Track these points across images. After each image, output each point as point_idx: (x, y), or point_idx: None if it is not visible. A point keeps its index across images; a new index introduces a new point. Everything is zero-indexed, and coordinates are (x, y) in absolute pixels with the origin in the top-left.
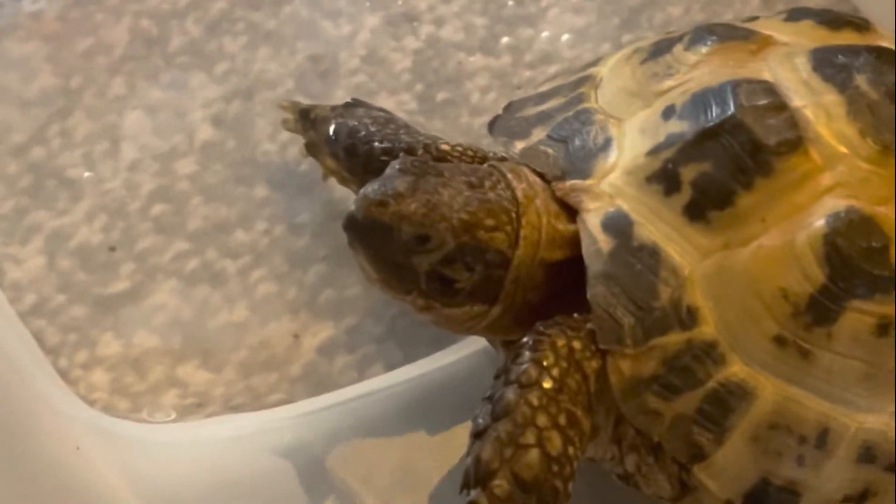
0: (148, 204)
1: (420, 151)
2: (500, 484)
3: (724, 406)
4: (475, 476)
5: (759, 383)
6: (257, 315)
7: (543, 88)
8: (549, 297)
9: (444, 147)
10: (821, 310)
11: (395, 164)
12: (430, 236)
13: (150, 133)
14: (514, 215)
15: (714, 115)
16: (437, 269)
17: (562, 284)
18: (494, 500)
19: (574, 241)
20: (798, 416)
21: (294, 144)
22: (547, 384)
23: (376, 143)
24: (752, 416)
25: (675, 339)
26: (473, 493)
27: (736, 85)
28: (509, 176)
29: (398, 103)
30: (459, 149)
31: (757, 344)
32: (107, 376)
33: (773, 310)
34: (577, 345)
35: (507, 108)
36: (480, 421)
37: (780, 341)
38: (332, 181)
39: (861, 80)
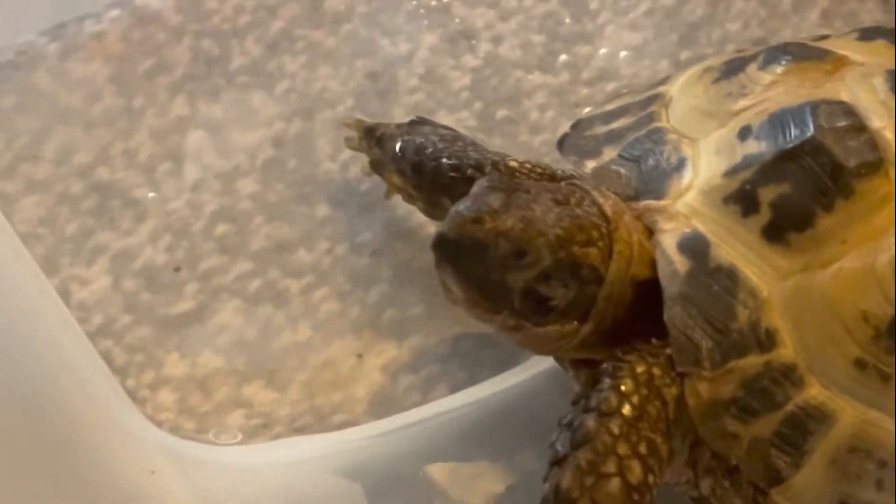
0: (211, 224)
1: (488, 168)
2: None
3: (802, 429)
4: None
5: (839, 406)
6: (320, 334)
7: (610, 107)
8: (631, 317)
9: (513, 164)
10: None
11: (483, 182)
12: (527, 252)
13: (212, 153)
14: (604, 231)
15: (793, 136)
16: (533, 287)
17: (642, 306)
18: None
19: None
20: (878, 440)
21: (355, 163)
22: (627, 412)
23: (444, 160)
24: (830, 440)
25: (753, 361)
26: None
27: (815, 106)
28: (594, 193)
29: (457, 121)
30: (528, 166)
31: (836, 367)
32: (173, 396)
33: (853, 333)
34: (656, 371)
35: (575, 126)
36: (560, 448)
37: (860, 364)
38: (395, 200)
39: None
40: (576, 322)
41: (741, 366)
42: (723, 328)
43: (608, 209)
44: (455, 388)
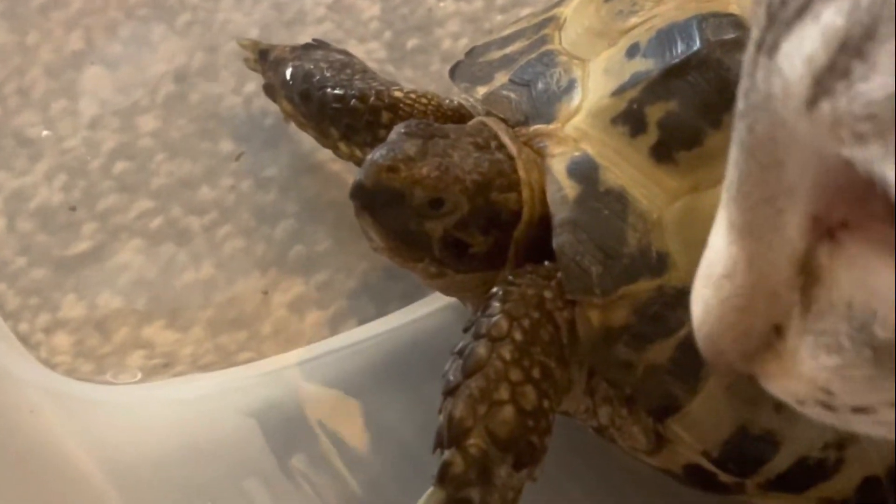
0: (109, 162)
1: (372, 99)
2: (476, 443)
3: (697, 354)
4: (449, 435)
5: None
6: (225, 272)
7: (507, 32)
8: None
9: (397, 94)
10: None
11: (400, 128)
12: (444, 200)
13: (110, 89)
14: (521, 174)
15: (679, 51)
16: (452, 234)
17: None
18: (470, 460)
19: None
20: None
21: (259, 97)
22: (518, 336)
23: (329, 90)
24: None
25: (645, 286)
26: (448, 454)
27: (702, 19)
28: (504, 137)
29: (367, 52)
30: (413, 95)
31: None
32: (70, 339)
33: None
34: (548, 294)
35: (470, 53)
36: (451, 378)
37: None
38: (302, 133)
39: None
40: (496, 268)
41: (633, 291)
42: (613, 253)
43: (514, 150)
44: (364, 324)
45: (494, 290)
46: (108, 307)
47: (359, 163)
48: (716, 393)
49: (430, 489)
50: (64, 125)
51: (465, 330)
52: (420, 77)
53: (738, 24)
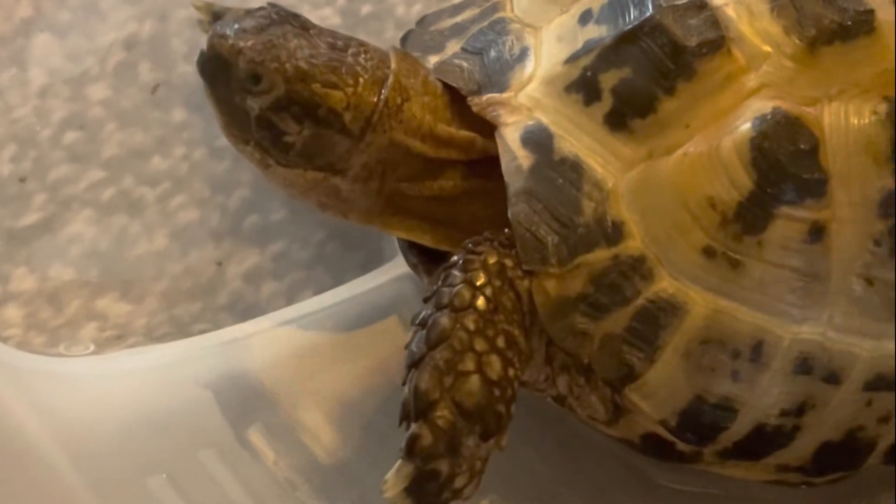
0: (59, 132)
1: None
2: (443, 414)
3: (654, 323)
4: (415, 407)
5: (690, 298)
6: (178, 243)
7: (458, 0)
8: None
9: None
10: (750, 218)
11: (261, 9)
12: (261, 76)
13: (59, 57)
14: (363, 82)
15: (632, 17)
16: (266, 115)
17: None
18: (437, 432)
19: (466, 147)
20: (731, 330)
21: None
22: (482, 305)
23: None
24: (683, 332)
25: (601, 255)
26: (415, 426)
27: None
28: (394, 59)
29: (320, 19)
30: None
31: (685, 257)
32: (21, 312)
33: (700, 220)
34: (508, 262)
35: (421, 21)
36: (415, 349)
37: (709, 253)
38: None
39: None
40: (322, 171)
41: (589, 260)
42: (569, 223)
43: (399, 77)
44: (321, 294)
45: (454, 258)
46: (59, 279)
47: None
48: (672, 361)
49: (398, 462)
50: (13, 94)
51: (426, 300)
52: (374, 43)
53: None
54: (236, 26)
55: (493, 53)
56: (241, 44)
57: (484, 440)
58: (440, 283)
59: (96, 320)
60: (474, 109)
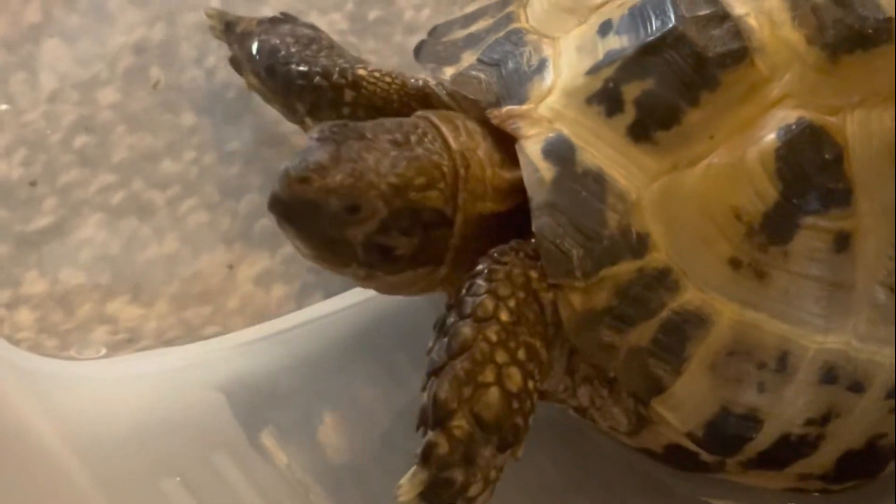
0: (69, 136)
1: (335, 76)
2: (460, 424)
3: (680, 335)
4: (433, 416)
5: (715, 309)
6: (189, 247)
7: (469, 9)
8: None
9: (361, 72)
10: (775, 228)
11: (313, 133)
12: (360, 206)
13: (69, 62)
14: (446, 169)
15: (654, 28)
16: (373, 239)
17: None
18: (454, 442)
19: (524, 188)
20: (757, 341)
21: (221, 69)
22: (505, 317)
23: (293, 66)
24: (709, 344)
25: (626, 268)
26: (432, 434)
27: None
28: (443, 128)
29: (329, 24)
30: (377, 74)
31: (711, 268)
32: (32, 315)
33: (726, 231)
34: (533, 274)
35: (433, 32)
36: (436, 357)
37: (734, 264)
38: (264, 105)
39: None
40: (430, 265)
41: (614, 273)
42: (593, 235)
43: (456, 144)
44: (331, 297)
45: (480, 266)
46: (70, 283)
47: None
48: (699, 373)
49: (414, 468)
50: (23, 99)
51: (449, 307)
52: (382, 48)
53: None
54: (308, 162)
55: (510, 65)
56: (329, 181)
57: (500, 451)
58: (464, 291)
59: (107, 324)
60: (494, 122)
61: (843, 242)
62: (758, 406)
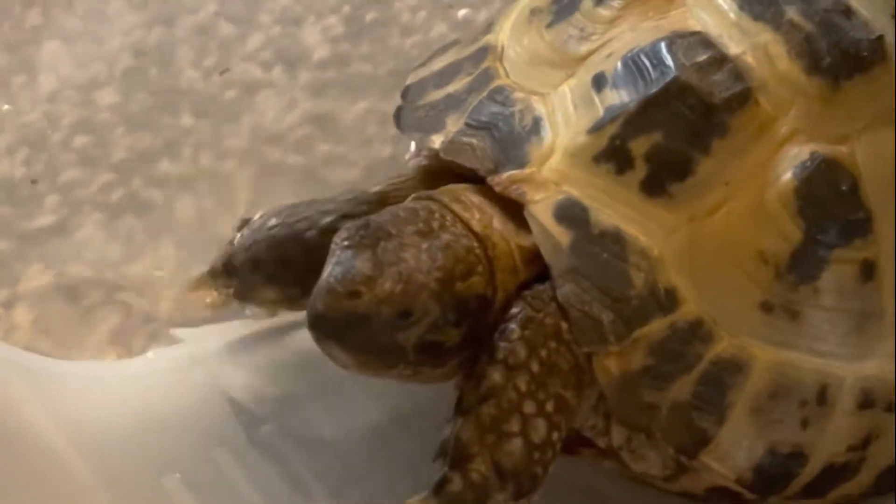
0: (70, 135)
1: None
2: (479, 469)
3: (720, 384)
4: (453, 455)
5: (752, 354)
6: (187, 245)
7: (439, 65)
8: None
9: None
10: (803, 267)
11: (341, 242)
12: (413, 310)
13: (68, 63)
14: (478, 251)
15: (654, 79)
16: (425, 339)
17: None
18: (469, 483)
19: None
20: (796, 380)
21: (218, 70)
22: (536, 367)
23: (269, 245)
24: (749, 389)
25: (658, 325)
26: (448, 472)
27: (670, 42)
28: (454, 207)
29: (324, 29)
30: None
31: (743, 314)
32: (32, 313)
33: (753, 276)
34: (564, 325)
35: (406, 94)
36: (464, 398)
37: (766, 307)
38: (262, 105)
39: (792, 12)
40: (473, 348)
41: (647, 332)
42: (621, 297)
43: (476, 224)
44: None
45: (514, 310)
46: (71, 280)
47: None
48: (743, 420)
49: (425, 494)
50: (23, 99)
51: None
52: (378, 51)
53: (706, 42)
54: (352, 274)
55: (502, 127)
56: (379, 291)
57: (515, 499)
58: (497, 335)
59: (107, 321)
60: (496, 190)
61: (868, 271)
62: (802, 442)
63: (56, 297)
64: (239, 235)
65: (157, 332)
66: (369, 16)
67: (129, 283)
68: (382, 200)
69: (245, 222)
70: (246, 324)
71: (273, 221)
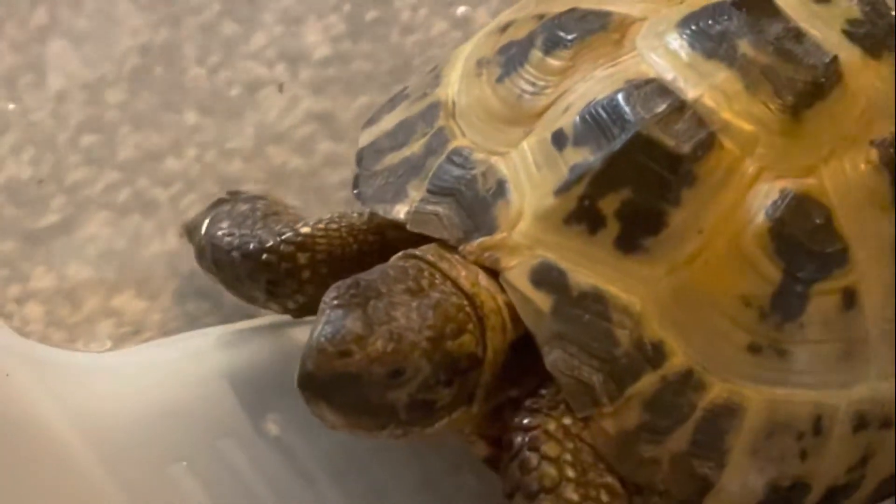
0: (76, 135)
1: (281, 246)
2: None
3: (716, 430)
4: None
5: (744, 396)
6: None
7: (389, 124)
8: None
9: (305, 230)
10: (786, 305)
11: (331, 301)
12: (404, 369)
13: (76, 63)
14: (468, 310)
15: (615, 134)
16: (417, 398)
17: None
18: None
19: None
20: (790, 415)
21: (223, 69)
22: (571, 473)
23: (235, 252)
24: (746, 431)
25: (649, 380)
26: None
27: (627, 94)
28: (441, 265)
29: (325, 28)
30: (321, 226)
31: (732, 358)
32: (41, 309)
33: (738, 320)
34: (566, 420)
35: (361, 160)
36: None
37: (754, 349)
38: (266, 103)
39: (745, 46)
40: (464, 406)
41: (639, 389)
42: (608, 357)
43: (464, 282)
44: None
45: (517, 441)
46: (77, 278)
47: (295, 313)
48: (743, 461)
49: None
50: (30, 99)
51: (510, 495)
52: (379, 50)
53: (662, 90)
54: (342, 333)
55: (466, 192)
56: (370, 350)
57: None
58: (517, 473)
59: (113, 317)
60: (469, 259)
61: (849, 299)
62: (803, 474)
63: (63, 293)
64: (207, 212)
65: (163, 327)
66: (370, 14)
67: (134, 280)
68: (304, 243)
69: (225, 199)
70: (251, 314)
71: (224, 225)
